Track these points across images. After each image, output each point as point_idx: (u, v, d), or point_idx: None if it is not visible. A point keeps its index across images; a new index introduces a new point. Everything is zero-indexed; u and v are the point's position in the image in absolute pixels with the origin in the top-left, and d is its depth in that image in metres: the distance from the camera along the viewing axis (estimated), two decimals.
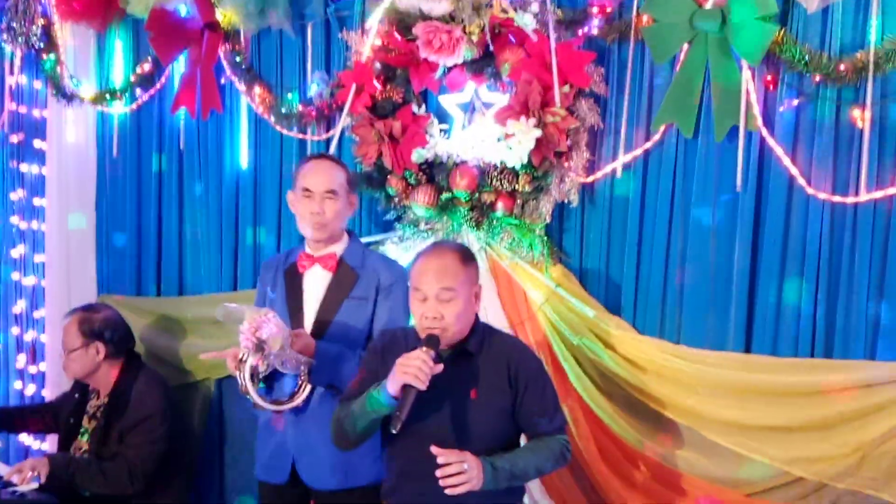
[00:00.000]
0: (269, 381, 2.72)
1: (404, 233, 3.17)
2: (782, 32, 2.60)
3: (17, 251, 4.19)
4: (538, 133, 2.84)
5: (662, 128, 2.84)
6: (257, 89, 3.49)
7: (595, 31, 2.89)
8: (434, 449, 2.20)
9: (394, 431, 2.20)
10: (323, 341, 2.69)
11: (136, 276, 3.96)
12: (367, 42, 3.11)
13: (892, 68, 2.49)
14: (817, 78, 2.59)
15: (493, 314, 2.97)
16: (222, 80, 3.60)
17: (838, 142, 2.61)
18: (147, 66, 3.78)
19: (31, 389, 4.19)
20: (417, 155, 3.04)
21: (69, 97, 3.91)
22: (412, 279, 2.37)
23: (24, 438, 4.14)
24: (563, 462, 2.41)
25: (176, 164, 3.82)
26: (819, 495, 2.68)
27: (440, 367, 2.22)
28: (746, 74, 2.66)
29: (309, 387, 2.68)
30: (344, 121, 3.20)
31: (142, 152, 3.91)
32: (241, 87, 3.53)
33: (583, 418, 2.93)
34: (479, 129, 3.03)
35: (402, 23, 3.01)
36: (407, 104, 3.10)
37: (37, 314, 4.17)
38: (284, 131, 3.45)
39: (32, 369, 4.20)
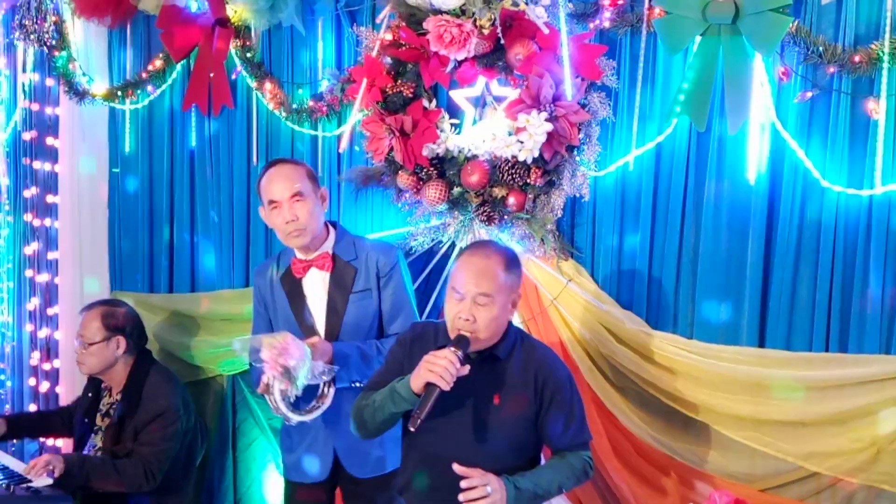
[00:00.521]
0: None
1: (416, 228, 3.16)
2: (796, 24, 2.58)
3: (31, 248, 4.21)
4: (549, 127, 2.82)
5: (675, 121, 2.82)
6: (268, 85, 3.49)
7: (606, 24, 2.87)
8: (457, 467, 2.17)
9: (412, 429, 2.18)
10: (338, 343, 2.68)
11: (148, 272, 3.97)
12: (377, 37, 3.10)
13: None
14: (832, 69, 2.56)
15: None
16: (233, 77, 3.61)
17: (853, 134, 2.58)
18: (158, 63, 3.79)
19: (45, 386, 4.22)
20: (428, 150, 3.03)
21: (81, 94, 3.93)
22: (452, 274, 2.33)
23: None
24: (584, 479, 2.38)
25: (188, 160, 3.82)
26: (833, 490, 2.66)
27: (466, 369, 2.20)
28: (760, 66, 2.64)
29: (333, 388, 2.67)
30: (355, 116, 3.19)
31: (153, 148, 3.92)
32: (252, 83, 3.53)
33: (595, 413, 2.92)
34: (490, 124, 3.02)
35: (413, 17, 3.00)
36: (418, 99, 3.09)
37: (50, 311, 4.19)
38: (296, 127, 3.45)
39: (46, 366, 4.22)
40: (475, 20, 2.86)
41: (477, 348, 2.29)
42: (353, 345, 2.69)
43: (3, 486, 2.93)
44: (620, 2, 2.84)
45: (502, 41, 2.89)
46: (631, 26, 2.85)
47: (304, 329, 2.76)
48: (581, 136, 2.88)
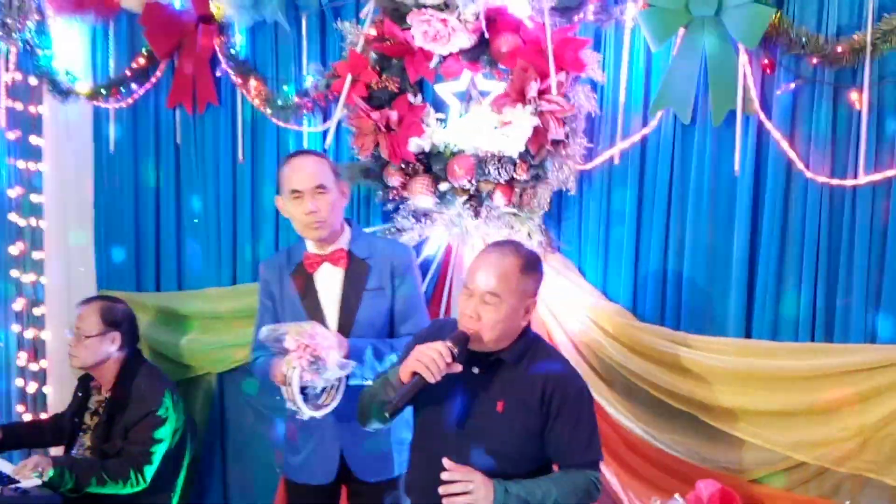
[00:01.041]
0: (303, 388, 2.59)
1: (403, 224, 3.16)
2: (779, 15, 2.59)
3: (17, 248, 4.19)
4: (535, 121, 2.82)
5: (660, 114, 2.83)
6: (253, 82, 3.47)
7: (591, 17, 2.87)
8: (446, 462, 2.14)
9: (386, 415, 2.16)
10: (353, 338, 2.65)
11: (135, 271, 3.95)
12: (362, 32, 3.09)
13: (890, 49, 2.48)
14: (815, 60, 2.58)
15: None
16: (217, 74, 3.59)
17: (836, 124, 2.60)
18: (142, 61, 3.76)
19: (32, 387, 4.19)
20: (414, 145, 3.03)
21: (65, 93, 3.89)
22: (468, 269, 2.29)
23: None
24: (587, 500, 2.23)
25: (173, 158, 3.80)
26: (821, 479, 2.69)
27: (458, 367, 2.14)
28: (743, 58, 2.65)
29: (344, 384, 2.61)
30: (340, 111, 3.18)
31: (138, 147, 3.90)
32: (237, 79, 3.52)
33: None
34: (475, 118, 3.01)
35: (397, 12, 2.99)
36: (403, 94, 3.09)
37: (37, 311, 4.17)
38: (281, 123, 3.44)
39: (34, 367, 4.20)
40: (459, 14, 2.86)
41: (481, 349, 2.20)
42: (368, 341, 2.65)
43: None
44: None
45: (486, 35, 2.89)
46: (615, 19, 2.85)
47: None
48: (566, 129, 2.88)
